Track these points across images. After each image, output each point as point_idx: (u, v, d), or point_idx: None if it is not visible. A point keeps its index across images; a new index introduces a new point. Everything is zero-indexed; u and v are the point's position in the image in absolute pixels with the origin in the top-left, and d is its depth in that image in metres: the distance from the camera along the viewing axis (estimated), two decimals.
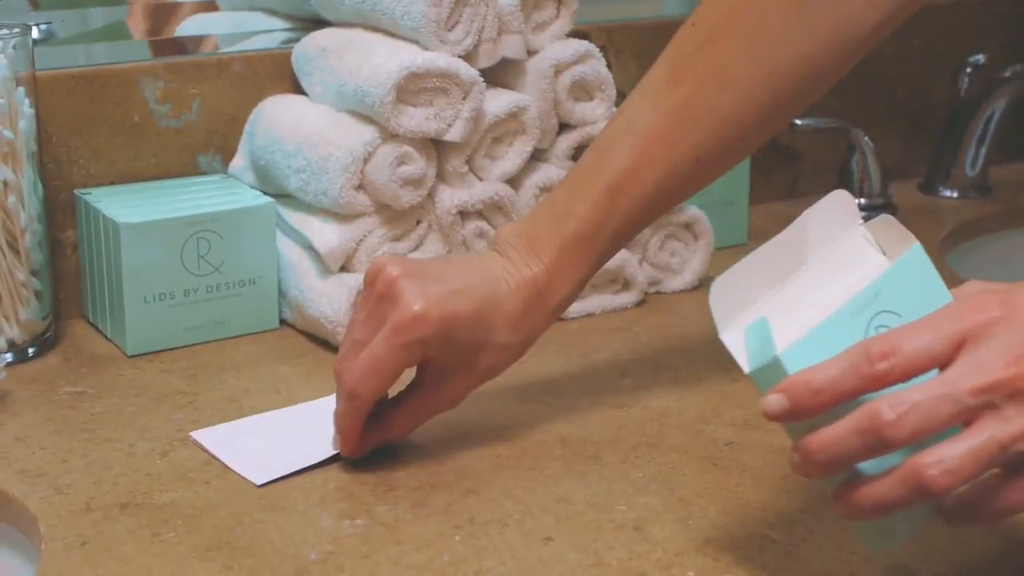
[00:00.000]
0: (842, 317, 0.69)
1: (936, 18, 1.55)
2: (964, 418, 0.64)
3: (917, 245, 0.73)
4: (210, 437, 0.92)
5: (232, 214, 1.08)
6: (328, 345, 1.07)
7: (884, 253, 0.74)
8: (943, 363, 0.64)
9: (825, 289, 0.71)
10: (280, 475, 0.86)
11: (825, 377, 0.65)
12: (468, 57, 1.07)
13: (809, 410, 0.65)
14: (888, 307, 0.70)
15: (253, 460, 0.88)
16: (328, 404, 0.90)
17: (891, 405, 0.63)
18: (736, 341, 0.69)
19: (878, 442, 0.63)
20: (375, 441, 0.88)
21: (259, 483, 0.86)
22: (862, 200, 1.42)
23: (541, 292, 0.89)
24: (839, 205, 0.75)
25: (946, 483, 0.63)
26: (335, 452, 0.88)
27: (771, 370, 0.67)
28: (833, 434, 0.65)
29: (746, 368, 0.69)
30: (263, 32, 1.24)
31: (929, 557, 0.77)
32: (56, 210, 1.12)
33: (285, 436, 0.93)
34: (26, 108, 1.02)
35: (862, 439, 0.64)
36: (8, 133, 1.00)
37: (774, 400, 0.66)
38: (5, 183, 1.01)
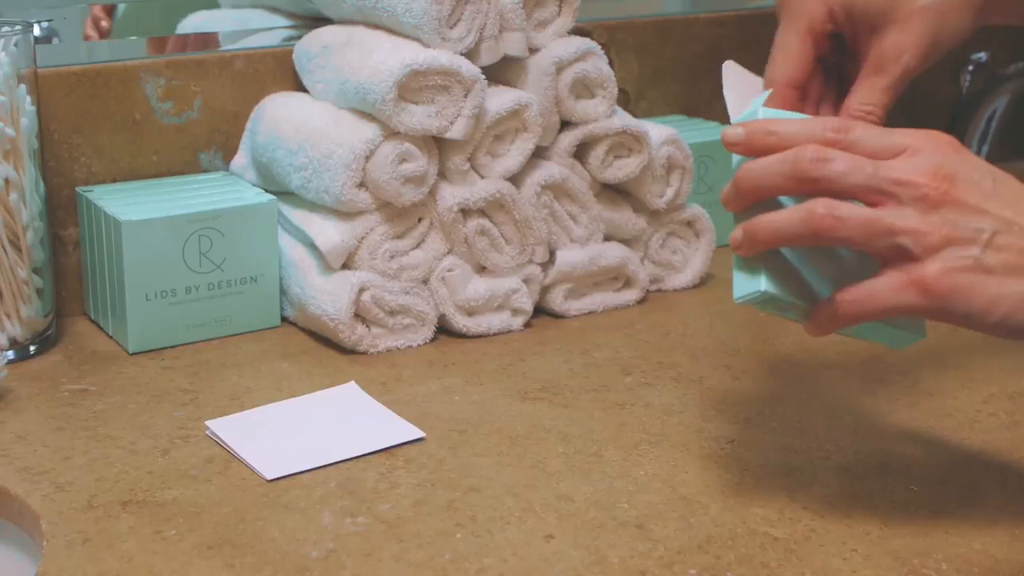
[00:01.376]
0: None
1: None
2: (872, 197, 0.72)
3: None
4: (223, 427, 0.92)
5: (234, 212, 1.08)
6: (330, 343, 1.07)
7: None
8: (882, 158, 0.73)
9: None
10: (291, 472, 0.87)
11: (785, 128, 0.75)
12: (470, 55, 1.07)
13: (760, 146, 0.75)
14: None
15: (266, 453, 0.89)
16: (344, 393, 0.90)
17: (817, 150, 0.73)
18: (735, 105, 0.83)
19: (799, 171, 0.73)
20: None
21: (269, 477, 0.86)
22: None
23: None
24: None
25: (830, 224, 0.72)
26: (349, 456, 0.89)
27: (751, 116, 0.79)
28: (762, 163, 0.74)
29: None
30: (265, 30, 1.24)
31: (930, 553, 0.77)
32: (58, 208, 1.12)
33: (298, 429, 0.93)
34: (28, 105, 1.02)
35: (789, 168, 0.73)
36: (10, 130, 1.00)
37: (731, 130, 0.76)
38: (7, 181, 1.01)
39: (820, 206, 0.72)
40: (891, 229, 0.72)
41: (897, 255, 0.72)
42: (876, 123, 0.90)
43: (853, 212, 0.72)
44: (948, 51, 0.93)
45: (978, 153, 1.51)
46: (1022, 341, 0.73)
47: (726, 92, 0.85)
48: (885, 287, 0.72)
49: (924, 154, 0.73)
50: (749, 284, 0.77)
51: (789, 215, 0.74)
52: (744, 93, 0.85)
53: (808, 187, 0.73)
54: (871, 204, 0.73)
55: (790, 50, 0.93)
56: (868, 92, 0.91)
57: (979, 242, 0.71)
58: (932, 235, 0.71)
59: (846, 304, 0.74)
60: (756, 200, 0.76)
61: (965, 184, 0.72)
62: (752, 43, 1.44)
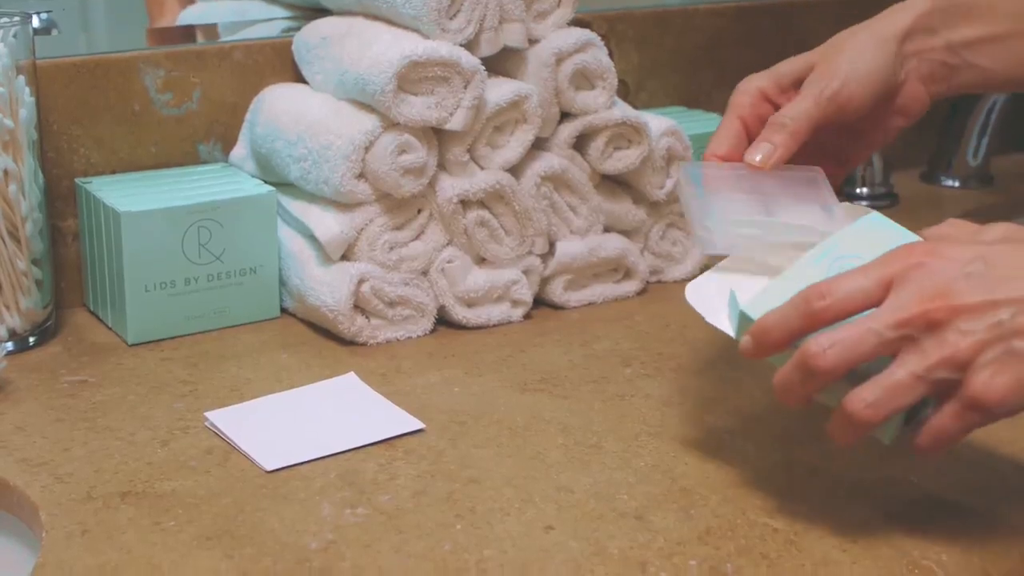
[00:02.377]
0: (802, 266, 0.79)
1: None
2: (888, 351, 0.72)
3: (877, 214, 0.82)
4: (223, 418, 0.92)
5: (233, 203, 1.08)
6: (329, 334, 1.07)
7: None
8: (875, 303, 0.73)
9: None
10: (290, 463, 0.87)
11: (774, 318, 0.76)
12: (469, 46, 1.07)
13: (768, 347, 0.76)
14: (848, 252, 0.79)
15: (265, 444, 0.89)
16: (344, 384, 0.89)
17: (818, 340, 0.73)
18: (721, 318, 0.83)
19: (809, 373, 0.73)
20: None
21: (269, 468, 0.86)
22: (864, 189, 1.42)
23: None
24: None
25: (871, 416, 0.72)
26: (349, 447, 0.89)
27: (743, 322, 0.79)
28: (781, 372, 0.75)
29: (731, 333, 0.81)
30: (264, 21, 1.24)
31: (929, 545, 0.77)
32: (57, 199, 1.12)
33: (298, 420, 0.93)
34: (27, 97, 1.02)
35: (799, 373, 0.74)
36: (8, 122, 1.00)
37: (745, 340, 0.77)
38: (6, 172, 1.01)
39: (853, 404, 0.73)
40: (923, 376, 0.71)
41: (942, 388, 0.72)
42: (797, 134, 0.93)
43: (879, 387, 0.72)
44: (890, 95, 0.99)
45: (977, 146, 1.51)
46: None
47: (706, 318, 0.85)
48: (950, 420, 0.72)
49: (906, 279, 0.72)
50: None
51: (835, 423, 0.75)
52: (712, 298, 0.85)
53: (828, 377, 0.73)
54: (892, 354, 0.72)
55: (725, 130, 0.96)
56: (791, 107, 0.95)
57: (1004, 334, 0.70)
58: (959, 353, 0.71)
59: (924, 446, 0.74)
60: (806, 400, 0.76)
61: (958, 287, 0.71)
62: (751, 34, 1.44)
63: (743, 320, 0.79)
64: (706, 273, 0.87)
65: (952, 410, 0.72)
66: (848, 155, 1.02)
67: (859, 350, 0.72)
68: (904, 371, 0.71)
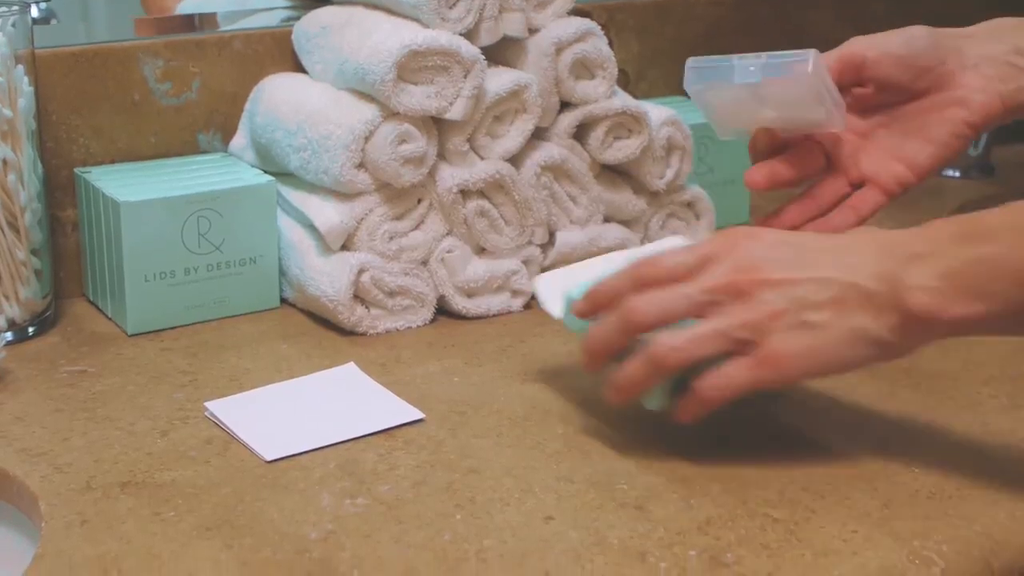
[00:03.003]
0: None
1: None
2: (697, 312, 0.80)
3: (682, 238, 1.02)
4: (223, 408, 0.92)
5: (233, 193, 1.07)
6: (329, 324, 1.07)
7: None
8: (694, 275, 0.81)
9: None
10: (290, 453, 0.86)
11: (607, 282, 0.85)
12: (469, 35, 1.07)
13: (597, 305, 0.85)
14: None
15: (265, 434, 0.89)
16: (343, 374, 0.90)
17: (639, 298, 0.82)
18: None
19: (628, 325, 0.82)
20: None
21: (268, 459, 0.86)
22: None
23: None
24: None
25: (674, 358, 0.80)
26: (348, 437, 0.89)
27: (567, 303, 0.91)
28: (600, 328, 0.84)
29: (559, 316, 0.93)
30: (264, 10, 1.24)
31: (930, 535, 0.77)
32: (56, 189, 1.12)
33: (298, 410, 0.93)
34: (25, 86, 1.02)
35: (619, 325, 0.82)
36: (7, 111, 1.00)
37: (578, 303, 0.87)
38: (4, 162, 1.00)
39: (658, 347, 0.81)
40: (724, 331, 0.79)
41: (742, 347, 0.80)
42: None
43: (686, 336, 0.80)
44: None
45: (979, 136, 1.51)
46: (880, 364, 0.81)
47: (543, 305, 0.97)
48: (740, 370, 0.80)
49: (723, 256, 0.81)
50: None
51: (635, 365, 0.82)
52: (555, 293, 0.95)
53: (644, 329, 0.82)
54: (701, 317, 0.80)
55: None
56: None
57: (798, 307, 0.79)
58: (758, 318, 0.79)
59: (707, 390, 0.81)
60: (610, 357, 0.85)
61: (766, 264, 0.80)
62: (750, 23, 1.44)
63: (567, 302, 0.90)
64: (556, 270, 1.02)
65: (745, 363, 0.79)
66: (915, 156, 1.01)
67: (672, 307, 0.81)
68: (709, 326, 0.80)
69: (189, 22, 1.22)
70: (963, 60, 1.00)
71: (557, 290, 0.94)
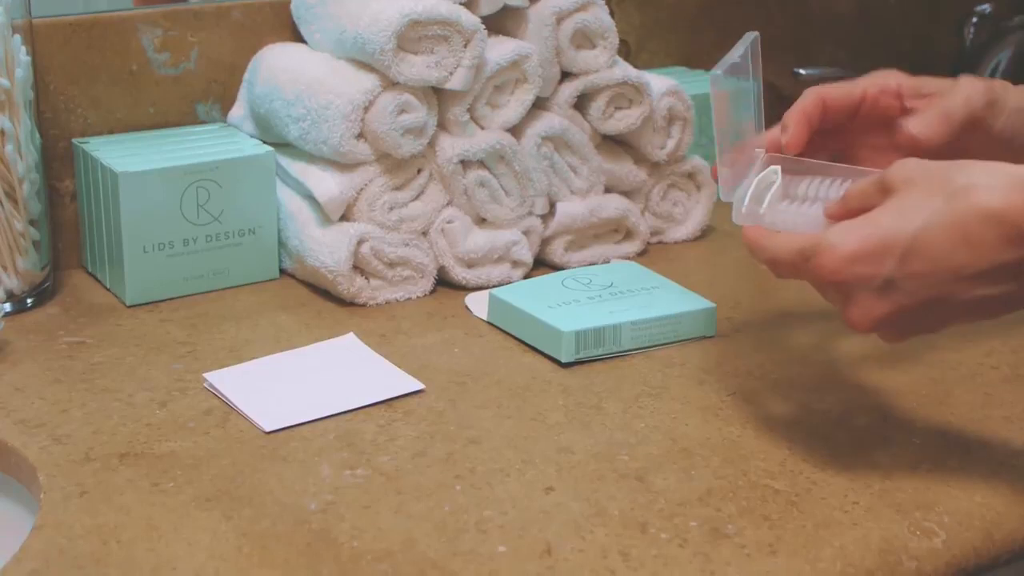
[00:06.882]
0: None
1: None
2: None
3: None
4: (222, 379, 0.92)
5: (231, 163, 1.07)
6: (328, 295, 1.07)
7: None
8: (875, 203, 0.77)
9: None
10: (289, 424, 0.86)
11: (775, 244, 0.80)
12: (470, 4, 1.06)
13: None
14: (582, 275, 1.06)
15: (264, 405, 0.88)
16: (343, 345, 0.89)
17: (851, 299, 0.77)
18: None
19: (813, 279, 0.77)
20: None
21: (268, 429, 0.86)
22: None
23: None
24: None
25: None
26: (348, 408, 0.89)
27: (491, 301, 1.02)
28: (786, 259, 0.78)
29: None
30: None
31: (931, 507, 0.77)
32: (54, 159, 1.11)
33: (297, 381, 0.93)
34: (23, 56, 1.01)
35: (802, 275, 0.78)
36: (5, 81, 0.99)
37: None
38: (2, 132, 1.00)
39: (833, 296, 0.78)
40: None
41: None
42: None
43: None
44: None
45: None
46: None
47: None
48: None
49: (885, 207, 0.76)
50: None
51: (793, 268, 0.79)
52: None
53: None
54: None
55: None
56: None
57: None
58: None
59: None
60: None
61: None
62: None
63: (491, 300, 1.00)
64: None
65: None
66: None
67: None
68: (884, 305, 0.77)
69: None
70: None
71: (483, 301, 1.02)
